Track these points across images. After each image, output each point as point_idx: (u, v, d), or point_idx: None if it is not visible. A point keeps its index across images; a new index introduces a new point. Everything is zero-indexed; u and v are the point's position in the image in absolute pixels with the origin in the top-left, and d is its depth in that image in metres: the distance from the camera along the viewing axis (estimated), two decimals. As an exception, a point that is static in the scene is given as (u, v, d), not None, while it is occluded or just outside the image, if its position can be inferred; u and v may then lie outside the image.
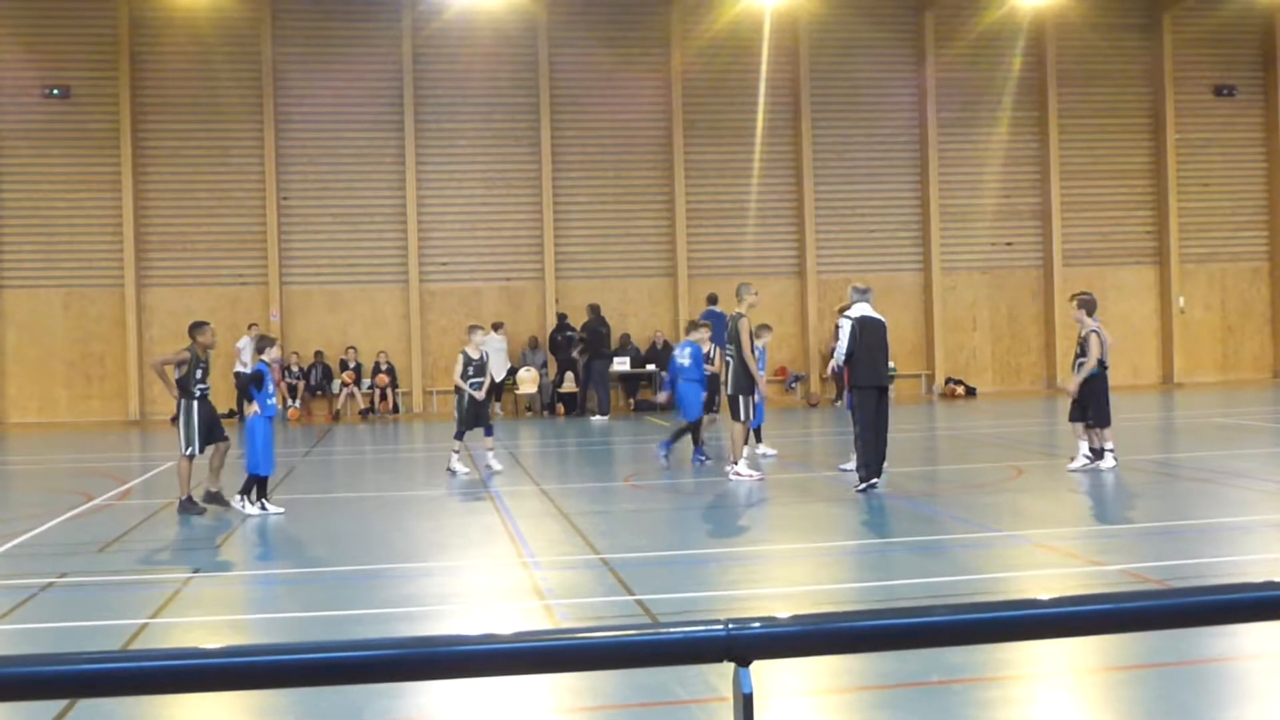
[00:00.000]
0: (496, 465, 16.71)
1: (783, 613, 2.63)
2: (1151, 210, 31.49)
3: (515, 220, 29.02)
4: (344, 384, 27.64)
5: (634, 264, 29.52)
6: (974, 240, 30.83)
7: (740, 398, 15.16)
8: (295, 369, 27.78)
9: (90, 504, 14.55)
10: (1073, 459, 15.30)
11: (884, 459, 14.16)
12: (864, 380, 14.00)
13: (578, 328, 27.93)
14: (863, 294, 14.43)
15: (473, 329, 17.22)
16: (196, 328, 14.04)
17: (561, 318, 28.26)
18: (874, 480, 13.73)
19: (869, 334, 14.03)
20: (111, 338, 27.75)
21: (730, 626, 2.50)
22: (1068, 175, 30.91)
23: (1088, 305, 15.45)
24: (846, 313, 14.35)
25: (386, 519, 13.05)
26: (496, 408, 27.93)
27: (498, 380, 27.78)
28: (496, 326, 27.82)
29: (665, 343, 28.67)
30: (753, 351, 15.22)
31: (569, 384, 27.84)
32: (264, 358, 13.70)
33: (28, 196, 27.55)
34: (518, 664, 2.56)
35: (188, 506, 13.38)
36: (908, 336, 29.89)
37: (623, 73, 29.17)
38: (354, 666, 2.57)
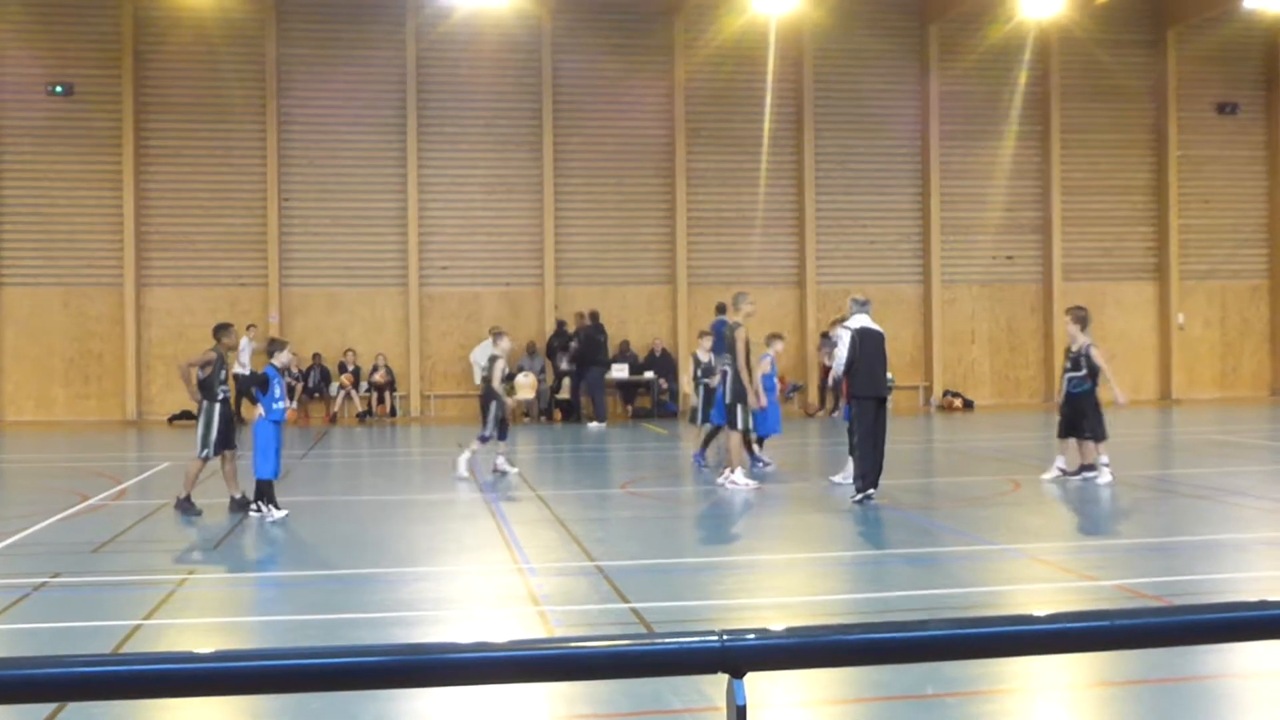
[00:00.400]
0: (510, 468, 16.90)
1: (778, 624, 2.62)
2: (1152, 226, 31.51)
3: (516, 225, 29.02)
4: (341, 386, 27.63)
5: (634, 271, 29.52)
6: (974, 253, 30.84)
7: (737, 406, 15.19)
8: (294, 370, 27.75)
9: (85, 504, 14.53)
10: (1064, 470, 15.51)
11: (881, 470, 14.16)
12: (863, 391, 14.01)
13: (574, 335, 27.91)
14: (862, 305, 14.45)
15: (498, 335, 17.50)
16: (222, 329, 14.09)
17: (560, 324, 28.25)
18: (870, 491, 13.72)
19: (868, 345, 14.04)
20: (110, 337, 27.73)
21: (725, 638, 2.49)
22: (1069, 190, 30.93)
23: (1081, 320, 15.60)
24: (846, 323, 14.37)
25: (382, 523, 13.03)
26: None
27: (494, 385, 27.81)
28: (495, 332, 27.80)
29: (664, 350, 28.69)
30: (748, 361, 15.26)
31: (566, 390, 27.83)
32: (274, 361, 13.51)
33: (29, 193, 27.54)
34: (513, 672, 2.55)
35: (186, 506, 13.39)
36: (906, 348, 29.89)
37: (626, 80, 29.19)
38: (347, 673, 2.56)
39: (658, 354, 28.53)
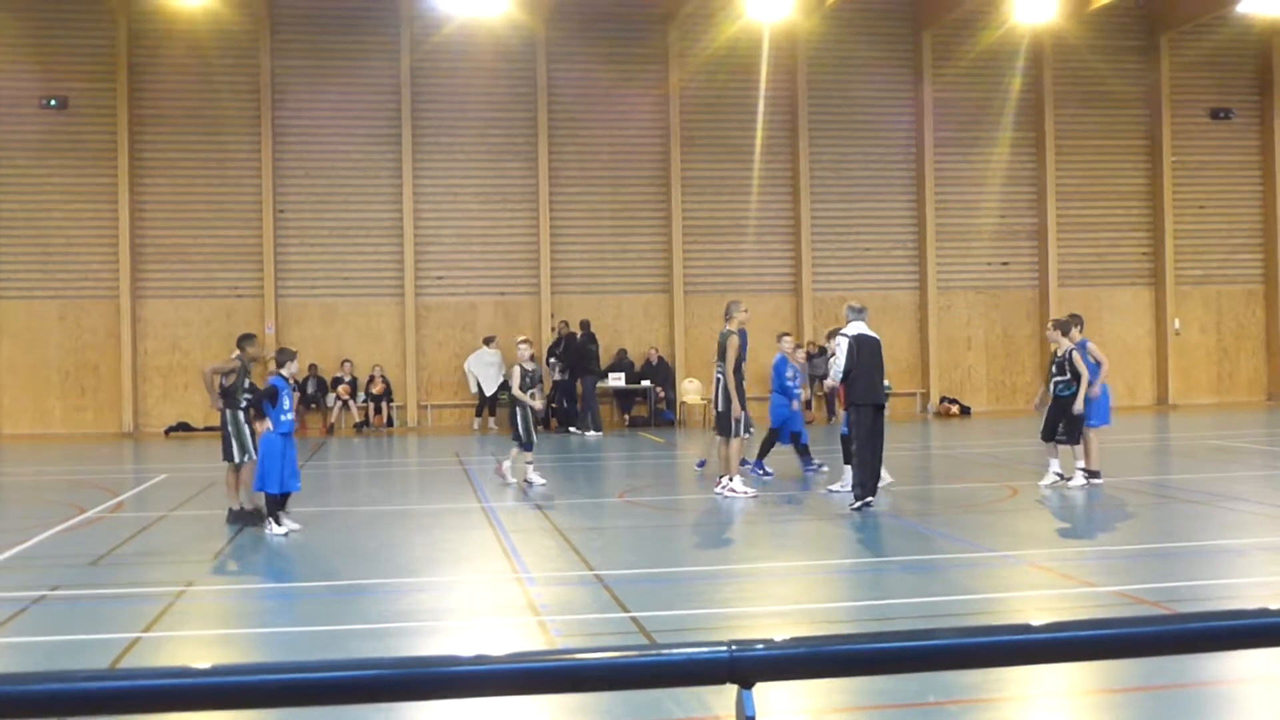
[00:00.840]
0: (538, 479, 16.92)
1: (785, 634, 2.62)
2: (1147, 232, 31.56)
3: (512, 235, 29.03)
4: (338, 398, 27.60)
5: (630, 280, 29.53)
6: (970, 260, 30.88)
7: (729, 414, 15.20)
8: (292, 381, 27.71)
9: (83, 516, 14.50)
10: (1062, 474, 15.62)
11: (879, 477, 14.17)
12: (861, 398, 14.01)
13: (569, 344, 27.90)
14: (858, 313, 14.48)
15: (522, 343, 17.60)
16: (247, 339, 14.10)
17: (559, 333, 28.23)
18: (869, 498, 13.72)
19: (866, 352, 14.05)
20: (106, 349, 27.70)
21: (733, 648, 2.48)
22: (1064, 196, 30.99)
23: (1063, 326, 16.00)
24: (843, 331, 14.40)
25: (380, 533, 13.01)
26: (491, 423, 27.96)
27: (488, 394, 27.80)
28: (488, 341, 27.84)
29: (660, 359, 28.68)
30: (738, 368, 15.30)
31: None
32: (282, 372, 13.28)
33: (24, 207, 27.51)
34: (521, 684, 2.54)
35: (240, 517, 13.40)
36: (903, 355, 29.91)
37: (621, 89, 29.21)
38: (347, 686, 2.55)
39: (654, 362, 28.53)
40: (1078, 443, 15.61)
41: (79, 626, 8.93)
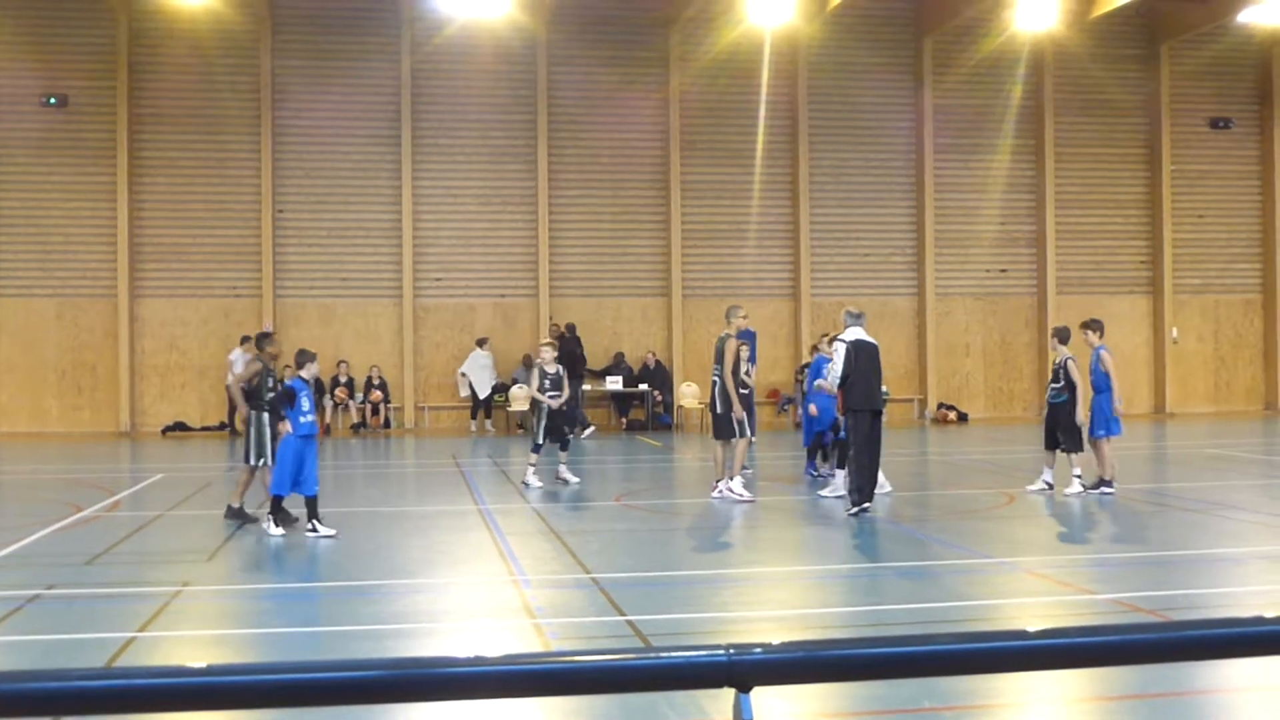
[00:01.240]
0: (572, 478, 17.07)
1: (779, 638, 2.62)
2: (1146, 240, 31.59)
3: (510, 237, 29.03)
4: (336, 401, 27.57)
5: (628, 283, 29.53)
6: (968, 266, 30.90)
7: (730, 417, 15.21)
8: (311, 383, 27.69)
9: (79, 515, 14.49)
10: (1051, 484, 15.69)
11: (876, 483, 14.17)
12: (859, 404, 14.02)
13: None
14: (856, 318, 14.50)
15: (544, 345, 17.74)
16: (265, 339, 14.07)
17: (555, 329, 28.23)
18: (866, 504, 13.72)
19: (863, 358, 14.06)
20: (104, 348, 27.67)
21: (731, 651, 2.48)
22: (1063, 204, 31.01)
23: (1061, 334, 16.03)
24: (840, 336, 14.41)
25: (377, 535, 13.00)
26: (488, 425, 27.96)
27: (481, 396, 27.81)
28: (481, 342, 27.85)
29: (658, 362, 28.68)
30: (735, 371, 15.30)
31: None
32: (302, 374, 13.09)
33: (23, 205, 27.51)
34: (517, 686, 2.54)
35: (239, 515, 13.40)
36: (901, 361, 29.92)
37: (621, 93, 29.23)
38: (343, 687, 2.55)
39: (652, 366, 28.53)
40: (1080, 450, 15.61)
41: (75, 625, 8.92)
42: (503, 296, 29.05)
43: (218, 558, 11.77)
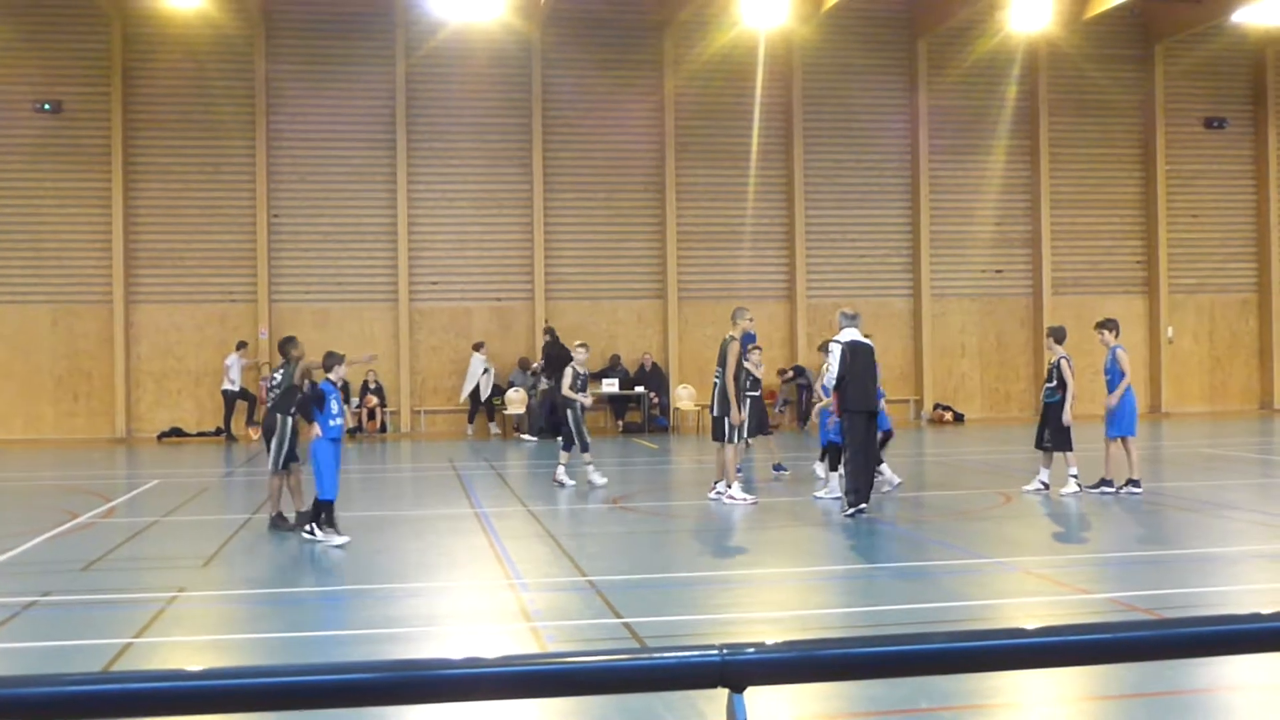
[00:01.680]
0: (568, 480, 17.22)
1: (775, 638, 2.61)
2: (1141, 240, 31.63)
3: (506, 240, 29.03)
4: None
5: (624, 286, 29.54)
6: (964, 267, 30.93)
7: (725, 420, 15.21)
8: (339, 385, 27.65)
9: (75, 522, 14.47)
10: (1047, 484, 15.72)
11: (872, 484, 14.18)
12: (854, 405, 14.01)
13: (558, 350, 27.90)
14: (851, 319, 14.50)
15: (580, 346, 17.93)
16: (289, 342, 13.93)
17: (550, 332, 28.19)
18: (863, 505, 13.72)
19: (859, 359, 14.07)
20: (99, 354, 27.64)
21: (725, 652, 2.48)
22: (1058, 204, 31.04)
23: (1056, 334, 16.08)
24: (836, 337, 14.42)
25: (373, 539, 12.98)
26: (491, 427, 27.94)
27: (481, 399, 27.81)
28: (478, 346, 27.84)
29: (654, 365, 28.68)
30: (737, 375, 15.28)
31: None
32: (330, 376, 12.87)
33: (17, 211, 27.47)
34: (513, 688, 2.54)
35: (281, 523, 13.28)
36: (897, 362, 29.92)
37: (616, 95, 29.23)
38: (339, 690, 2.55)
39: (647, 368, 28.52)
40: (1069, 450, 15.63)
41: (71, 632, 8.90)
42: (498, 300, 29.04)
43: (213, 563, 11.75)
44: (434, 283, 28.84)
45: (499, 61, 28.89)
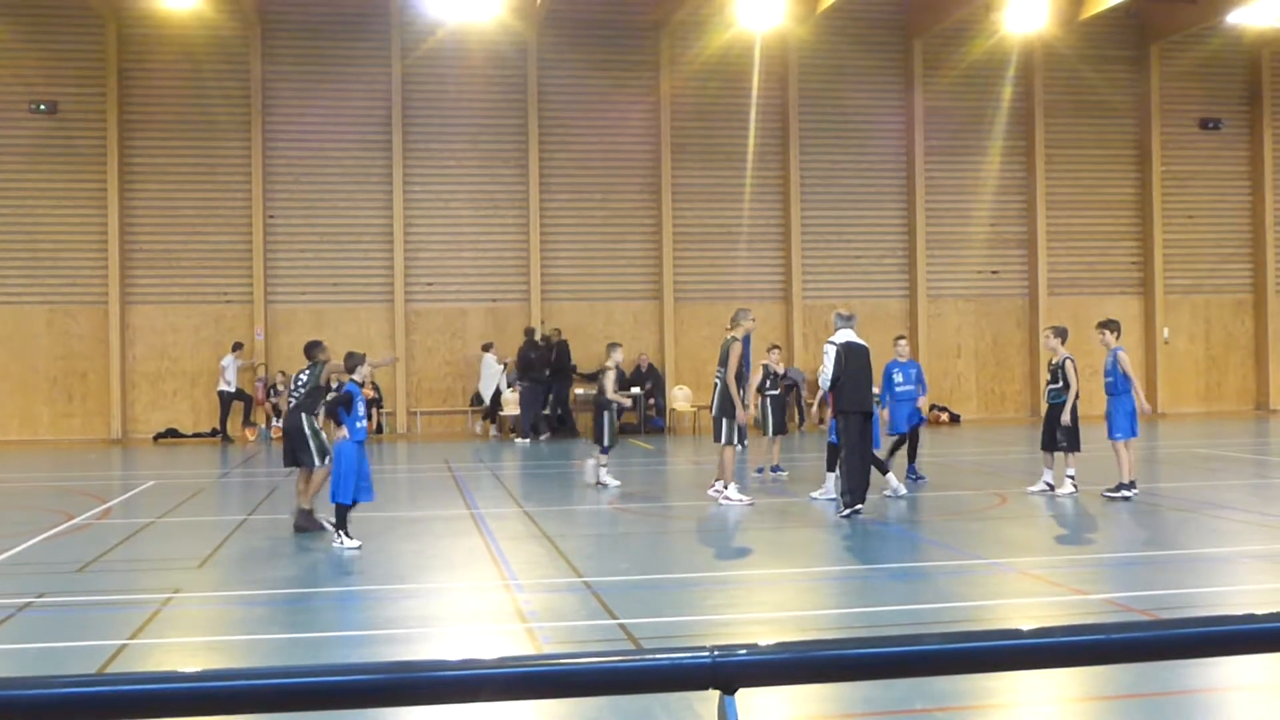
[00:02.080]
0: (612, 481, 17.37)
1: (769, 639, 2.61)
2: (1136, 241, 31.66)
3: (502, 241, 29.02)
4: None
5: (620, 286, 29.54)
6: (960, 268, 30.95)
7: (724, 421, 15.21)
8: (282, 388, 27.62)
9: (70, 523, 14.45)
10: (1052, 484, 15.75)
11: (868, 485, 14.18)
12: (850, 405, 14.02)
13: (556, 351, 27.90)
14: (847, 320, 14.49)
15: (617, 347, 17.99)
16: (317, 347, 13.92)
17: (544, 339, 28.18)
18: (859, 506, 13.72)
19: (854, 360, 14.07)
20: (94, 355, 27.62)
21: (716, 653, 2.47)
22: (1054, 205, 31.07)
23: (1062, 334, 16.04)
24: (831, 339, 14.42)
25: (369, 540, 12.96)
26: (493, 429, 27.91)
27: (486, 400, 27.82)
28: (487, 347, 27.82)
29: (650, 365, 28.67)
30: (739, 376, 15.29)
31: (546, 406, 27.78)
32: (354, 377, 12.67)
33: (13, 212, 27.44)
34: (503, 690, 2.53)
35: (308, 520, 13.25)
36: (893, 363, 29.89)
37: (612, 96, 29.24)
38: (334, 691, 2.54)
39: (644, 369, 28.52)
40: (1078, 450, 15.66)
41: (65, 634, 8.89)
42: (494, 301, 29.03)
43: (209, 565, 11.74)
44: (429, 283, 28.83)
45: (495, 62, 28.89)
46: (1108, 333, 15.79)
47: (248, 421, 27.43)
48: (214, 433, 27.22)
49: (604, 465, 17.41)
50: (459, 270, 28.96)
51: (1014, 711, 6.82)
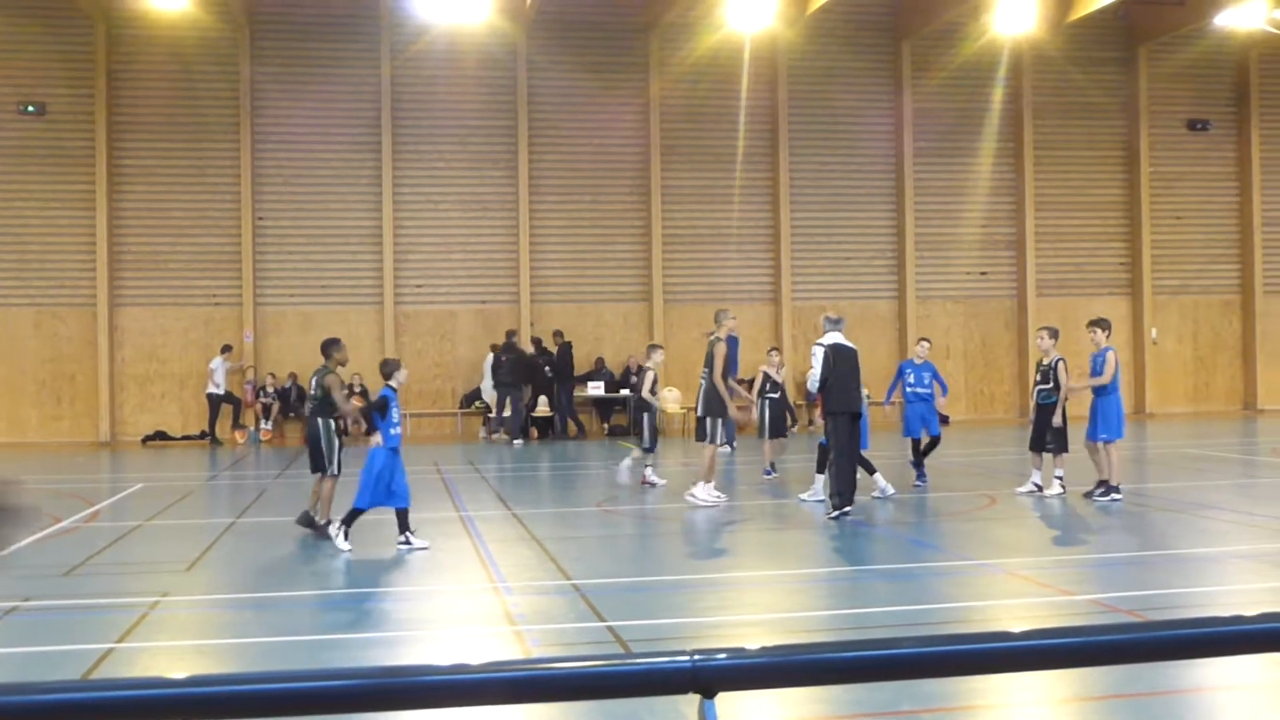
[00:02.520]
0: (659, 480, 17.49)
1: (750, 643, 2.61)
2: (1125, 242, 31.74)
3: (491, 243, 29.00)
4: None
5: (609, 288, 29.53)
6: (949, 269, 30.99)
7: (709, 420, 15.24)
8: (271, 390, 27.59)
9: (58, 526, 14.40)
10: (1040, 485, 15.76)
11: (855, 486, 14.19)
12: (838, 407, 14.04)
13: (552, 351, 27.89)
14: (835, 323, 14.52)
15: (653, 348, 17.99)
16: (333, 344, 13.66)
17: (536, 341, 28.18)
18: (847, 507, 13.74)
19: (842, 362, 14.09)
20: (83, 358, 27.54)
21: (696, 657, 2.47)
22: (1042, 206, 31.14)
23: (1055, 335, 16.05)
24: (819, 341, 14.44)
25: (358, 542, 12.94)
26: (481, 431, 27.88)
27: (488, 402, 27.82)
28: (495, 348, 27.80)
29: (639, 367, 28.63)
30: (725, 376, 15.32)
31: (542, 408, 27.74)
32: (391, 383, 12.54)
33: (0, 214, 27.35)
34: (485, 694, 2.53)
35: (323, 529, 13.08)
36: (882, 364, 29.90)
37: (601, 98, 29.23)
38: (322, 696, 2.54)
39: (633, 371, 28.48)
40: (1066, 451, 15.65)
41: (52, 638, 8.86)
42: (484, 303, 29.01)
43: (197, 568, 11.71)
44: (419, 285, 28.80)
45: (484, 64, 28.87)
46: (1099, 331, 15.75)
47: (236, 424, 27.37)
48: (203, 435, 27.15)
49: (650, 465, 17.45)
50: (448, 272, 28.92)
51: (1000, 712, 6.83)
